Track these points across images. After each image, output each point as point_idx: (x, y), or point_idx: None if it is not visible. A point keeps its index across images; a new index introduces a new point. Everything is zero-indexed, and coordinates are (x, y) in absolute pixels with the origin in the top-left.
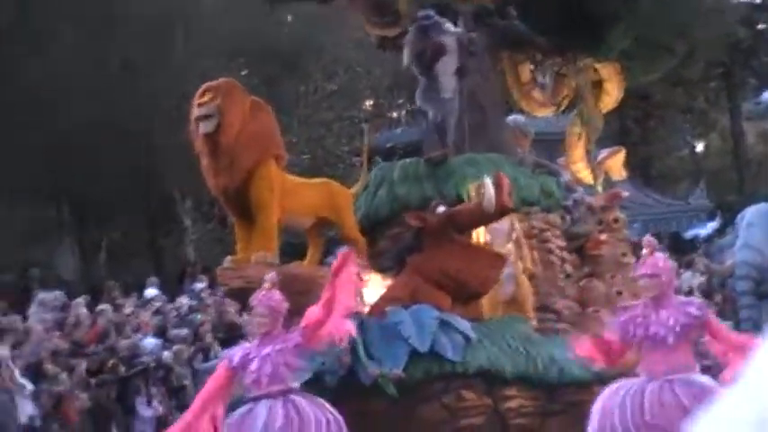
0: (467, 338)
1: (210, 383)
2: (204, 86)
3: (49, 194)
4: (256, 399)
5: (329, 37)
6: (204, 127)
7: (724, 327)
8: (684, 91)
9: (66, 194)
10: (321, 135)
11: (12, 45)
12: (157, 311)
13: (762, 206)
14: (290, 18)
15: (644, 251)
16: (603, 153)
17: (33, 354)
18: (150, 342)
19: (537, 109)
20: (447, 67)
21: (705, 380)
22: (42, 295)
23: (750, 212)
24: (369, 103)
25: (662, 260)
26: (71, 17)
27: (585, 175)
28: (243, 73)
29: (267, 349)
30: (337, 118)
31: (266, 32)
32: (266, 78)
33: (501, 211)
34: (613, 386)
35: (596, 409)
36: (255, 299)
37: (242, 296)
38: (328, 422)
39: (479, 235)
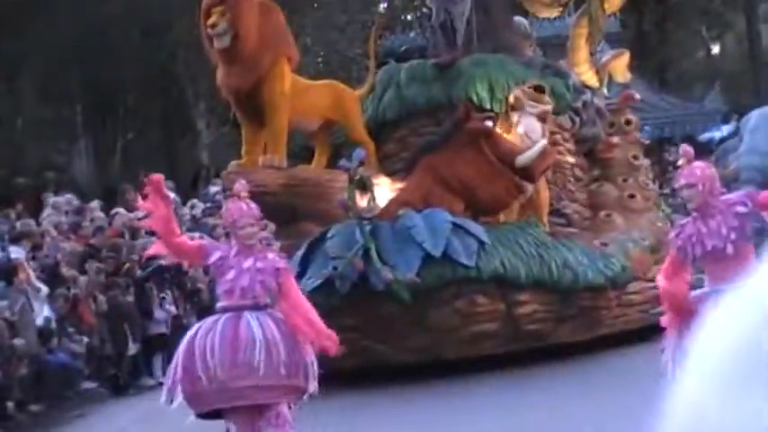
0: (481, 243)
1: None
2: (211, 0)
3: (65, 95)
4: (228, 310)
5: None
6: (220, 43)
7: None
8: None
9: (82, 94)
10: (334, 38)
11: None
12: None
13: (767, 110)
14: None
15: (681, 161)
16: (607, 55)
17: (50, 257)
18: None
19: (541, 10)
20: None
21: None
22: (56, 198)
23: (755, 116)
24: (383, 5)
25: (699, 168)
26: None
27: (589, 77)
28: None
29: (248, 263)
30: (351, 21)
31: None
32: None
33: (525, 175)
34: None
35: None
36: (235, 210)
37: (250, 200)
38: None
39: (515, 126)
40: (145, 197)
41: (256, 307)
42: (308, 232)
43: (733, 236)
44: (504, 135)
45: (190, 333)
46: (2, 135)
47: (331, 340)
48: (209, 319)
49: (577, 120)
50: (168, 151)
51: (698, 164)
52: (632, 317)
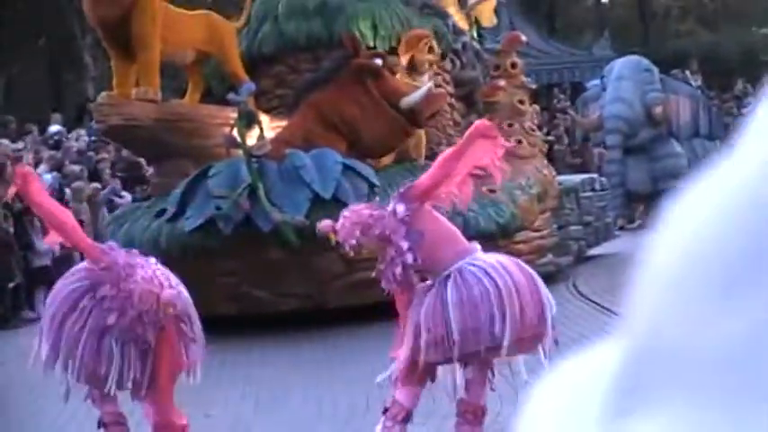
0: (371, 186)
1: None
2: None
3: None
4: None
5: None
6: None
7: None
8: None
9: None
10: None
11: None
12: (56, 146)
13: (632, 58)
14: None
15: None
16: None
17: None
18: (47, 177)
19: None
20: None
21: None
22: None
23: (619, 65)
24: None
25: None
26: None
27: (457, 20)
28: None
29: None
30: None
31: None
32: None
33: (412, 118)
34: None
35: None
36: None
37: (121, 134)
38: None
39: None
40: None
41: None
42: (182, 170)
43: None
44: (392, 75)
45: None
46: None
47: None
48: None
49: (458, 62)
50: (54, 84)
51: None
52: None
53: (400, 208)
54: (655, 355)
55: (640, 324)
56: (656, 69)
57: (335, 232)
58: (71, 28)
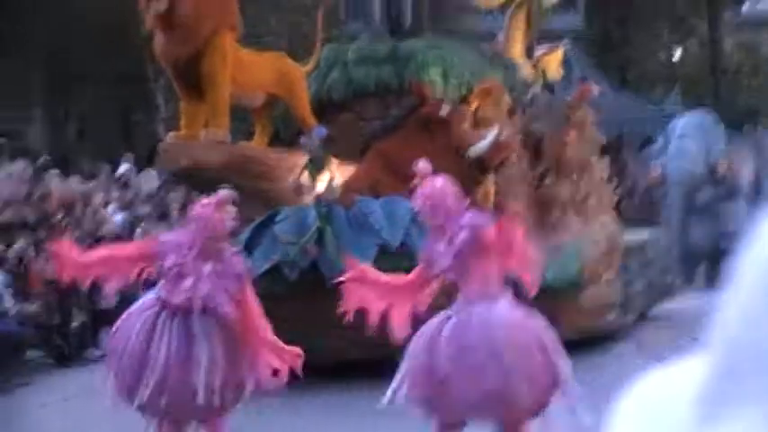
0: None
1: (126, 249)
2: None
3: (23, 58)
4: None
5: None
6: (156, 6)
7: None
8: None
9: (38, 61)
10: (299, 20)
11: None
12: (125, 186)
13: (694, 117)
14: None
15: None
16: (541, 50)
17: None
18: (117, 217)
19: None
20: None
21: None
22: (9, 166)
23: (684, 120)
24: None
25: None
26: None
27: (526, 72)
28: None
29: (207, 267)
30: (315, 4)
31: None
32: None
33: (479, 167)
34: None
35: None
36: (199, 211)
37: (189, 176)
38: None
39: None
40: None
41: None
42: (249, 213)
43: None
44: (460, 123)
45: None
46: None
47: (295, 357)
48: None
49: (527, 113)
50: (126, 125)
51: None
52: (584, 324)
53: (464, 235)
54: (743, 360)
55: (727, 335)
56: (721, 125)
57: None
58: (144, 70)
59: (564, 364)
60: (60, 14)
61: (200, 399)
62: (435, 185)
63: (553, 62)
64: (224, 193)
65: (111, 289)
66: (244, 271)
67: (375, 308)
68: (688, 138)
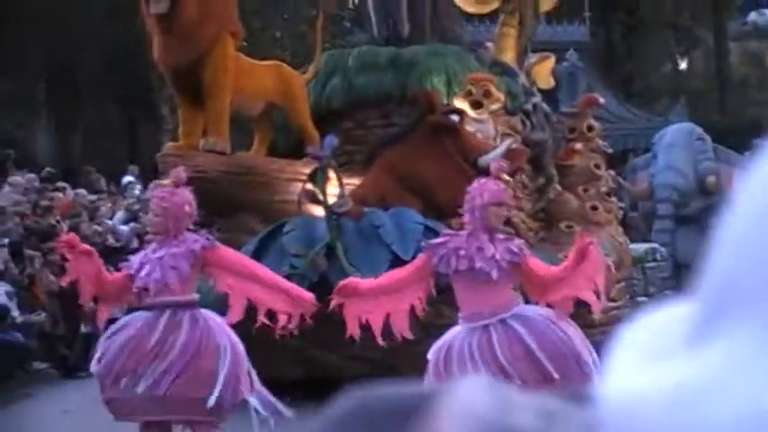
0: None
1: (108, 284)
2: None
3: (25, 68)
4: (152, 307)
5: None
6: (157, 7)
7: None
8: (672, 7)
9: (43, 69)
10: (303, 31)
11: None
12: (131, 197)
13: (684, 126)
14: None
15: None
16: (531, 59)
17: (8, 234)
18: (123, 228)
19: (471, 5)
20: None
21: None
22: (15, 177)
23: (671, 132)
24: (354, 1)
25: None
26: None
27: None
28: None
29: (161, 252)
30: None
31: None
32: None
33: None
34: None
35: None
36: (156, 195)
37: (187, 186)
38: (225, 348)
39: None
40: (66, 260)
41: (184, 304)
42: (248, 226)
43: (504, 264)
44: (469, 132)
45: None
46: None
47: (308, 303)
48: (135, 317)
49: (528, 123)
50: (131, 135)
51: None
52: (593, 338)
53: (505, 255)
54: (734, 284)
55: (721, 265)
56: (708, 138)
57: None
58: (149, 79)
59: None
60: (66, 27)
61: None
62: (491, 187)
63: (543, 71)
64: (176, 173)
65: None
66: (199, 244)
67: (376, 319)
68: (676, 148)
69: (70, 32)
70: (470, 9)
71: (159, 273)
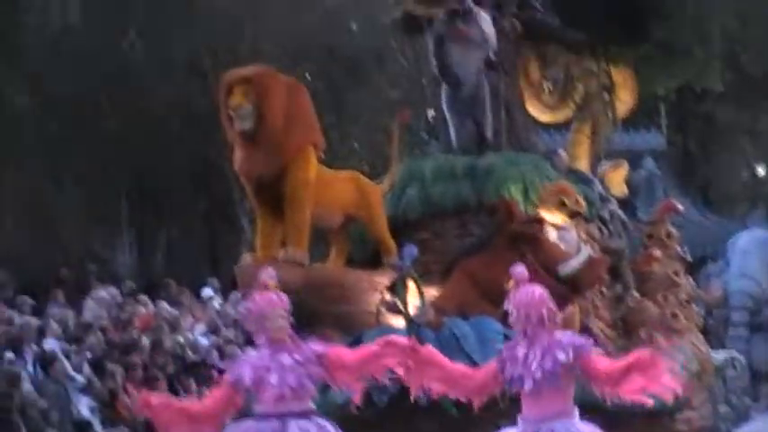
0: None
1: (208, 401)
2: (234, 77)
3: (112, 185)
4: (270, 416)
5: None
6: (242, 125)
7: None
8: (750, 114)
9: (126, 186)
10: (381, 142)
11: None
12: (211, 311)
13: (757, 233)
14: (354, 26)
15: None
16: (605, 166)
17: (91, 349)
18: (203, 341)
19: (544, 113)
20: (470, 61)
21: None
22: (98, 291)
23: (744, 239)
24: (431, 113)
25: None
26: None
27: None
28: (307, 76)
29: (285, 359)
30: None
31: (331, 38)
32: (330, 83)
33: (571, 286)
34: None
35: None
36: (263, 301)
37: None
38: None
39: (550, 234)
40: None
41: (302, 414)
42: (328, 338)
43: (538, 375)
44: (549, 240)
45: None
46: (43, 224)
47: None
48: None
49: (605, 231)
50: (212, 248)
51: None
52: None
53: (561, 356)
54: None
55: None
56: None
57: None
58: (230, 192)
59: None
60: (148, 142)
61: None
62: (533, 293)
63: (616, 179)
64: (266, 273)
65: None
66: (323, 348)
67: (436, 389)
68: (750, 255)
69: (154, 148)
70: (544, 118)
71: (294, 380)
